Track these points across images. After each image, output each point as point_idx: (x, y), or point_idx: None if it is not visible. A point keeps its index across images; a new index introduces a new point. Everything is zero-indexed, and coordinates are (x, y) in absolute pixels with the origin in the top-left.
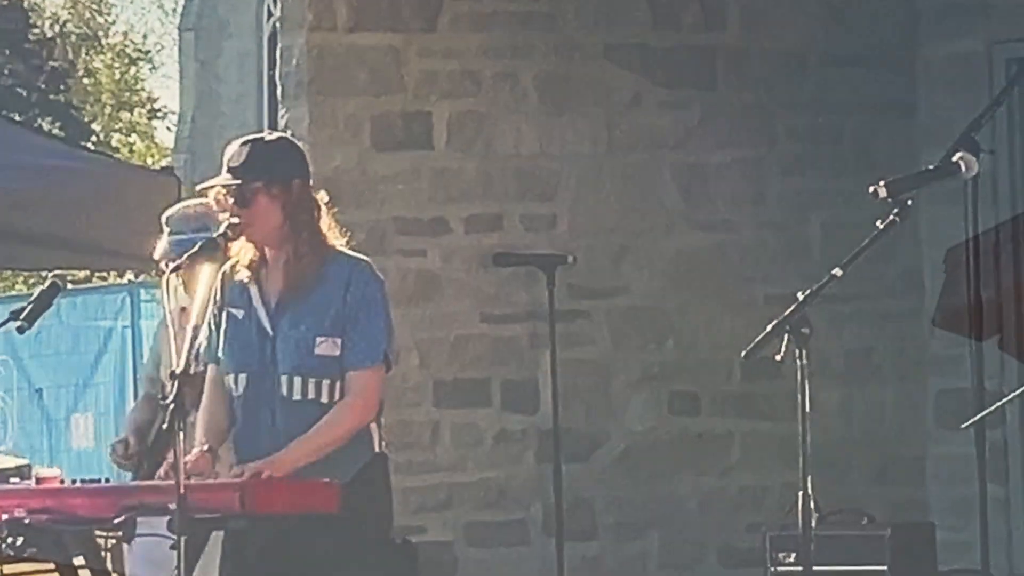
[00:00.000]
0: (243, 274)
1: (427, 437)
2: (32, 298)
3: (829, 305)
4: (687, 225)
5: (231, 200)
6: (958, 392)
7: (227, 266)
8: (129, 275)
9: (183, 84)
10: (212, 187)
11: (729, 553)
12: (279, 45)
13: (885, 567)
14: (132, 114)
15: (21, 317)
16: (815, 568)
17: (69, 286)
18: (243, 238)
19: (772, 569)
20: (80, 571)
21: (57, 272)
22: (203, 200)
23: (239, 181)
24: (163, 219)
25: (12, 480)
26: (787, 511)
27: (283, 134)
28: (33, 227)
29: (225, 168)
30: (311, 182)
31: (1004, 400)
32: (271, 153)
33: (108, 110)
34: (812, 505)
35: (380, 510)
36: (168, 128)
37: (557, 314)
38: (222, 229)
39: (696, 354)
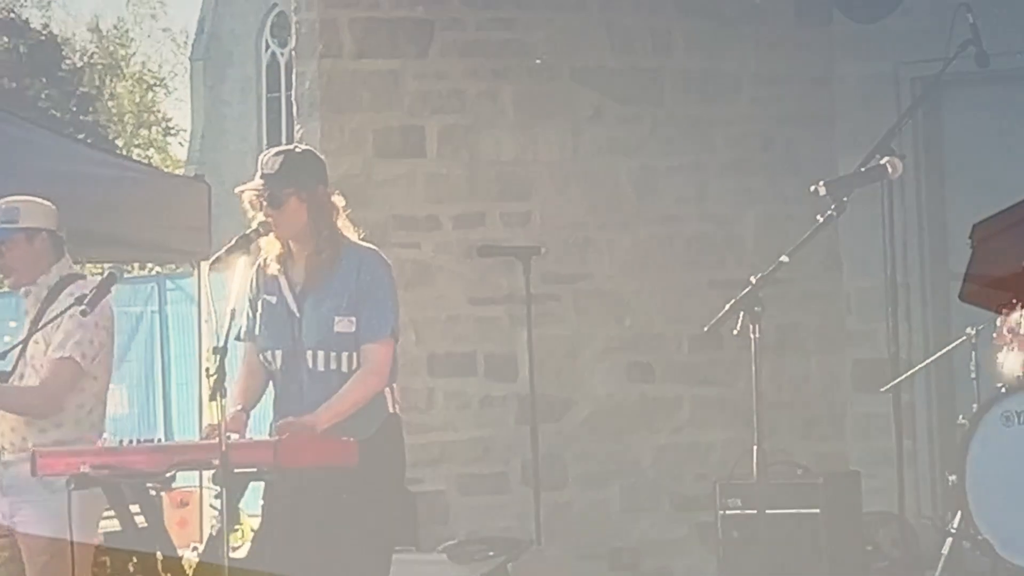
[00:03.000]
0: (273, 267)
1: (423, 402)
2: (93, 286)
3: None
4: (641, 220)
5: (264, 202)
6: (872, 362)
7: (261, 260)
8: (156, 267)
9: (193, 106)
10: (249, 190)
11: (680, 499)
12: (294, 71)
13: (818, 510)
14: (150, 132)
15: (84, 303)
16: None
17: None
18: (272, 235)
19: (721, 512)
20: (136, 517)
21: (114, 264)
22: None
23: (273, 186)
24: None
25: None
26: (736, 464)
27: (308, 147)
28: (83, 225)
29: (259, 174)
30: (329, 187)
31: (916, 368)
32: (300, 163)
33: (129, 129)
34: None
35: (394, 463)
36: (180, 143)
37: (532, 297)
38: (254, 226)
39: (650, 330)
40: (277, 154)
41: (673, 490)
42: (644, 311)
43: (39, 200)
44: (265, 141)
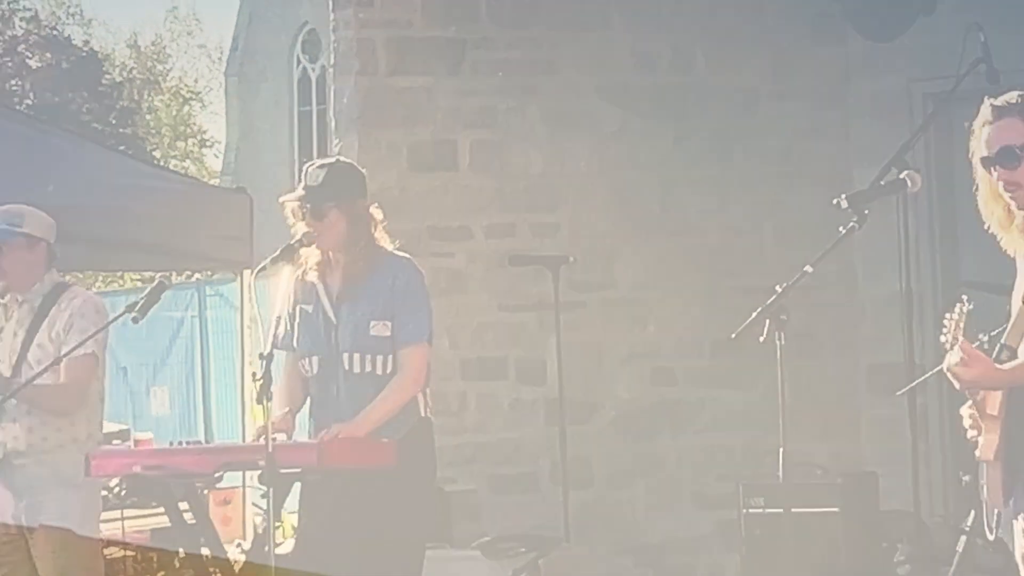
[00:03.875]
0: (312, 275)
1: (456, 405)
2: (144, 293)
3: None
4: (664, 230)
5: (306, 213)
6: (885, 366)
7: (299, 271)
8: (197, 275)
9: (228, 119)
10: (291, 201)
11: (702, 498)
12: (332, 87)
13: (837, 509)
14: (186, 144)
15: (136, 310)
16: (781, 510)
17: (133, 284)
18: (313, 245)
19: (745, 511)
20: (184, 514)
21: (163, 273)
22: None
23: (315, 198)
24: None
25: (114, 442)
26: (758, 464)
27: (349, 160)
28: (130, 235)
29: (302, 185)
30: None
31: (930, 372)
32: (341, 176)
33: (167, 141)
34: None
35: (425, 464)
36: (215, 155)
37: (560, 304)
38: (297, 237)
39: (673, 336)
40: (320, 167)
41: (695, 490)
42: (667, 318)
43: (42, 213)
44: (297, 153)
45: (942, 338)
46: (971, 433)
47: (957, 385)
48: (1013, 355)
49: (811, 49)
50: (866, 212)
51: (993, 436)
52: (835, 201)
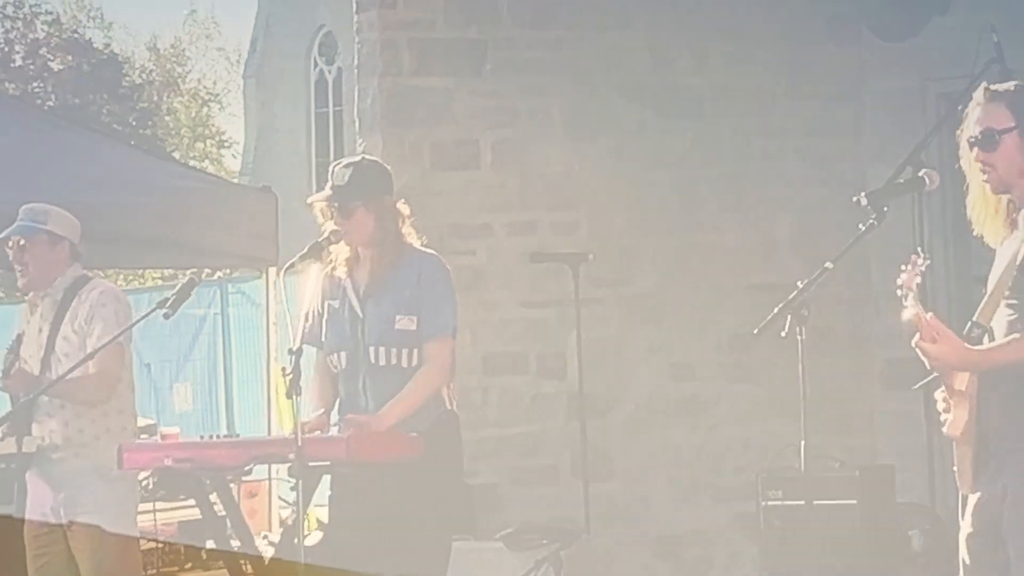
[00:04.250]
0: (340, 271)
1: (478, 399)
2: (175, 290)
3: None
4: (682, 228)
5: (334, 212)
6: (899, 361)
7: (328, 267)
8: (219, 272)
9: (246, 120)
10: (318, 201)
11: (719, 491)
12: (356, 87)
13: (855, 501)
14: (205, 144)
15: (167, 305)
16: (800, 502)
17: (154, 282)
18: (342, 242)
19: (764, 503)
20: (214, 506)
21: (194, 270)
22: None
23: (342, 197)
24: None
25: (142, 436)
26: (775, 457)
27: (376, 159)
28: (156, 233)
29: (329, 185)
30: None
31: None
32: (367, 175)
33: (186, 142)
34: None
35: (450, 457)
36: (233, 156)
37: (580, 301)
38: (325, 234)
39: (690, 331)
40: (346, 166)
41: (712, 482)
42: (684, 313)
43: (67, 213)
44: (314, 153)
45: (898, 292)
46: (944, 416)
47: (925, 362)
48: (983, 333)
49: (826, 49)
50: (885, 209)
51: (961, 412)
52: (855, 199)
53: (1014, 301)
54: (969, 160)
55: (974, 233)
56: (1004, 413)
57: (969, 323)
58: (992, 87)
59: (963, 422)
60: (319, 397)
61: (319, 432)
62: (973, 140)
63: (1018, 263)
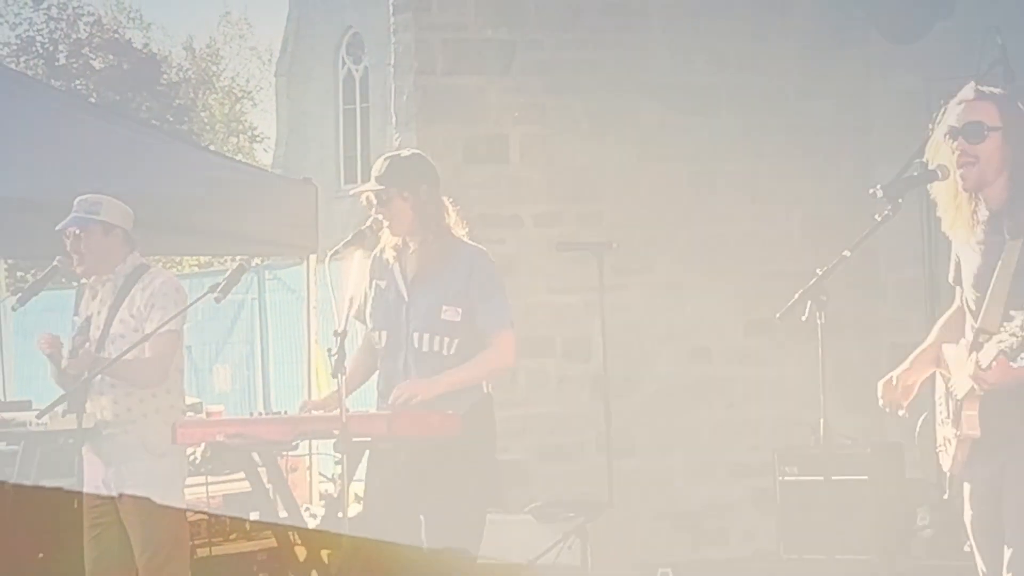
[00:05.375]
0: (389, 254)
1: (507, 380)
2: (226, 275)
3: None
4: (700, 219)
5: (375, 201)
6: (906, 345)
7: (377, 250)
8: (256, 260)
9: (277, 116)
10: (361, 192)
11: (735, 467)
12: (392, 85)
13: (867, 477)
14: (238, 139)
15: (218, 290)
16: (816, 477)
17: (195, 268)
18: (387, 231)
19: (780, 479)
20: (262, 480)
21: (243, 256)
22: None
23: (380, 187)
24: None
25: (188, 414)
26: (790, 435)
27: (417, 151)
28: (199, 221)
29: (372, 177)
30: (439, 187)
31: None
32: (404, 166)
33: (220, 136)
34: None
35: (486, 437)
36: (265, 150)
37: (604, 287)
38: (368, 223)
39: (708, 317)
40: (385, 159)
41: (729, 459)
42: (703, 300)
43: (119, 202)
44: (342, 147)
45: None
46: (882, 403)
47: (982, 388)
48: (988, 338)
49: (836, 51)
50: (900, 201)
51: (973, 412)
52: (871, 191)
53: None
54: (945, 151)
55: (943, 230)
56: (1001, 413)
57: (975, 330)
58: (981, 87)
59: (976, 421)
60: (354, 368)
61: (322, 410)
62: (957, 130)
63: (1013, 270)
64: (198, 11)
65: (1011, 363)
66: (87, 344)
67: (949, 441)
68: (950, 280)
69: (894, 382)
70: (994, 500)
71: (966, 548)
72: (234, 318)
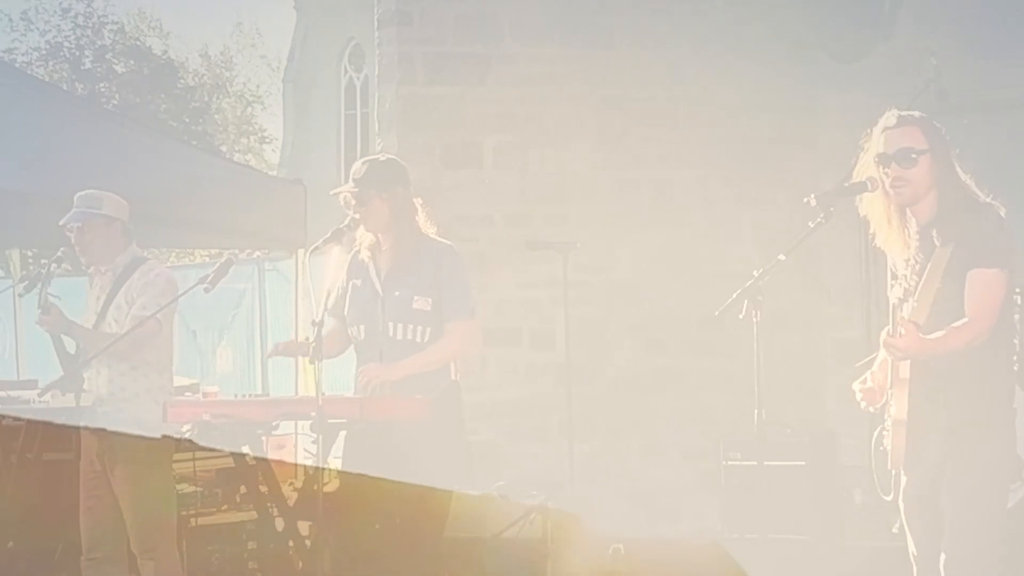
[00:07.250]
0: (364, 254)
1: (478, 367)
2: (214, 268)
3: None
4: (658, 222)
5: (354, 201)
6: (846, 340)
7: (353, 250)
8: (257, 252)
9: (284, 119)
10: (341, 192)
11: (687, 451)
12: (376, 94)
13: (804, 462)
14: (248, 140)
15: (207, 282)
16: (755, 462)
17: (201, 259)
18: (362, 228)
19: (724, 463)
20: (245, 458)
21: (231, 251)
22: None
23: (359, 188)
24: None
25: (186, 394)
26: (735, 423)
27: (392, 156)
28: (202, 218)
29: (351, 179)
30: (411, 189)
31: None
32: (382, 169)
33: (232, 137)
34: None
35: (454, 420)
36: (272, 150)
37: (568, 283)
38: (346, 221)
39: (664, 312)
40: (364, 163)
41: (681, 443)
42: (660, 296)
43: (117, 196)
44: (343, 149)
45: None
46: (863, 404)
47: (893, 355)
48: (917, 330)
49: (787, 68)
50: (832, 209)
51: (902, 399)
52: (805, 200)
53: (942, 305)
54: (875, 175)
55: (877, 244)
56: (929, 399)
57: (907, 321)
58: (903, 113)
59: (904, 408)
60: (330, 343)
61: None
62: (888, 157)
63: (941, 274)
64: (213, 21)
65: (921, 335)
66: (52, 303)
67: (887, 430)
68: (889, 294)
69: (868, 383)
70: (930, 489)
71: (894, 530)
72: (236, 305)
